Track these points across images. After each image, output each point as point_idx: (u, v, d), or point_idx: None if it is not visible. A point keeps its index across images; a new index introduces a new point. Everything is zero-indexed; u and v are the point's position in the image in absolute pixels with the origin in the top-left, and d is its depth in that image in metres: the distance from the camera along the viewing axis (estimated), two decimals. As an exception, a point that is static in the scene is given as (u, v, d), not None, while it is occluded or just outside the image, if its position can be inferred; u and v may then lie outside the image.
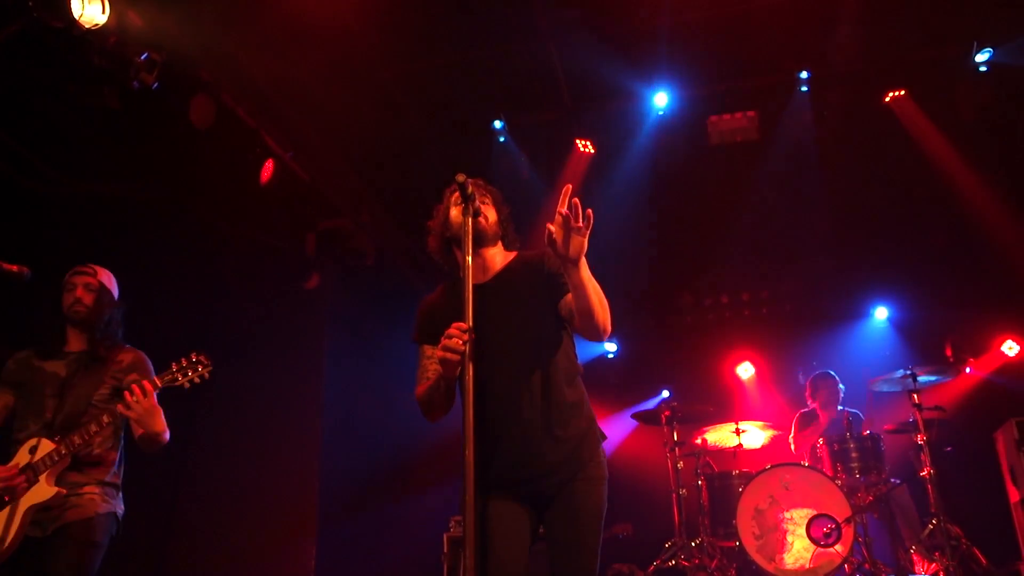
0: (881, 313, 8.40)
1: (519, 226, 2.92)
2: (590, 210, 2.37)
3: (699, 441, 6.27)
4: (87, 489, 3.23)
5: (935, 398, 5.81)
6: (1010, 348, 7.77)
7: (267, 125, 5.63)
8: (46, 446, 3.17)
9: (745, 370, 8.52)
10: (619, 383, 8.20)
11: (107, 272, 3.58)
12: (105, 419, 3.17)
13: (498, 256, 2.81)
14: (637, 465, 8.00)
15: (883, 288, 8.29)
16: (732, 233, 7.92)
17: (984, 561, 5.28)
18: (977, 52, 6.01)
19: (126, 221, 5.10)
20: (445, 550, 5.37)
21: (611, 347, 8.83)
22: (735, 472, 5.97)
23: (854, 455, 5.65)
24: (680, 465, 6.11)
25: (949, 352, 7.73)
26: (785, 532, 5.27)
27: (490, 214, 2.77)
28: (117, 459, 3.39)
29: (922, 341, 7.97)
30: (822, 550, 5.09)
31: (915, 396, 5.48)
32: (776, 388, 8.20)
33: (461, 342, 2.37)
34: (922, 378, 5.55)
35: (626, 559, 5.86)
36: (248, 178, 5.55)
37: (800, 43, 6.12)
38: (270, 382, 6.21)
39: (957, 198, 7.05)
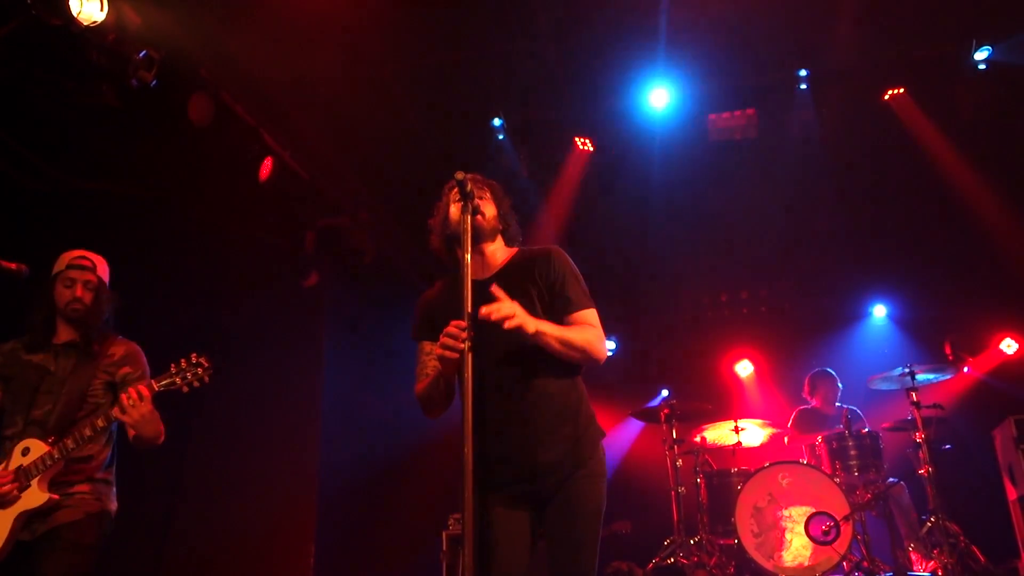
0: (880, 311, 8.41)
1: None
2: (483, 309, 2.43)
3: (698, 439, 6.26)
4: (77, 488, 3.15)
5: (933, 396, 5.80)
6: (1008, 346, 7.79)
7: (266, 123, 5.61)
8: (39, 448, 3.07)
9: (744, 368, 8.53)
10: (618, 381, 8.19)
11: (102, 261, 3.47)
12: (99, 423, 3.09)
13: (499, 252, 2.81)
14: (636, 463, 8.02)
15: (882, 286, 8.31)
16: (731, 231, 7.93)
17: (982, 558, 5.29)
18: (976, 50, 6.01)
19: (124, 219, 5.05)
20: (444, 548, 5.36)
21: (610, 345, 8.84)
22: (734, 470, 5.98)
23: (853, 453, 5.65)
24: (679, 463, 6.11)
25: (948, 350, 7.75)
26: (784, 530, 5.27)
27: (488, 209, 2.76)
28: (109, 456, 3.31)
29: (921, 339, 8.00)
30: (821, 548, 5.09)
31: (913, 394, 5.49)
32: (775, 386, 8.21)
33: (460, 340, 2.37)
34: (920, 376, 5.56)
35: (625, 556, 5.85)
36: (247, 176, 5.52)
37: (799, 41, 6.12)
38: (269, 380, 6.19)
39: (956, 196, 7.05)
